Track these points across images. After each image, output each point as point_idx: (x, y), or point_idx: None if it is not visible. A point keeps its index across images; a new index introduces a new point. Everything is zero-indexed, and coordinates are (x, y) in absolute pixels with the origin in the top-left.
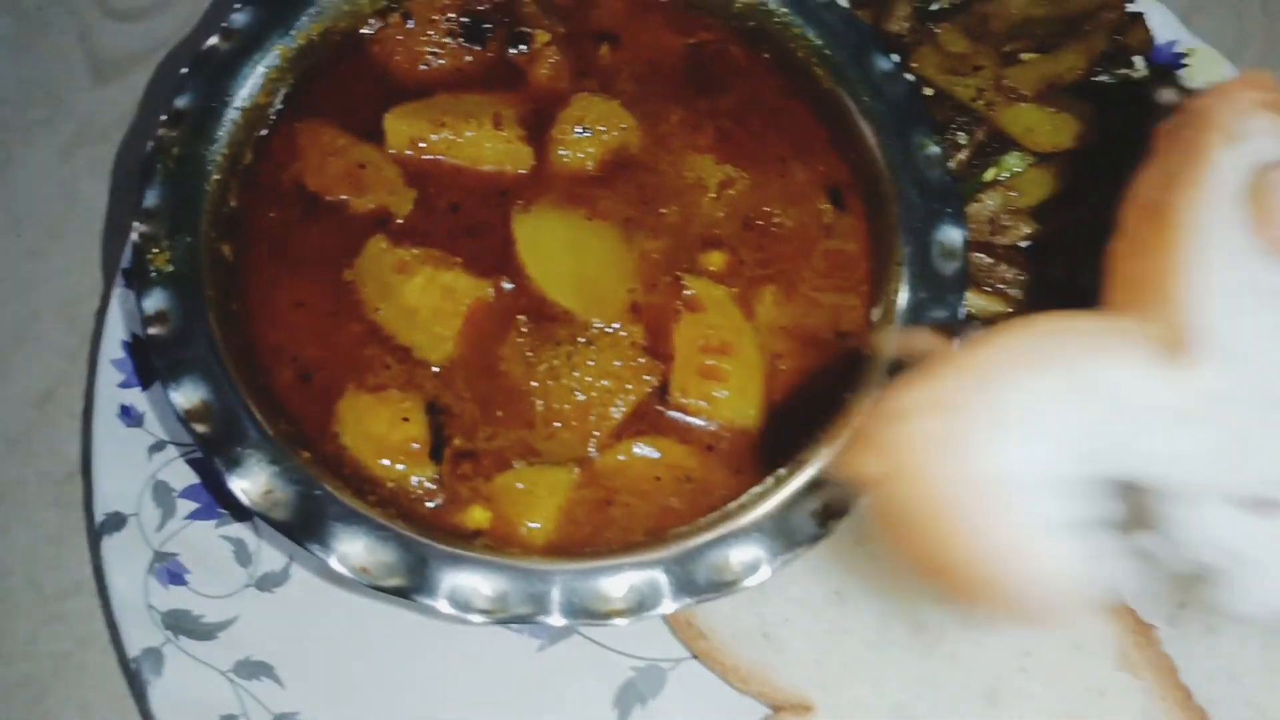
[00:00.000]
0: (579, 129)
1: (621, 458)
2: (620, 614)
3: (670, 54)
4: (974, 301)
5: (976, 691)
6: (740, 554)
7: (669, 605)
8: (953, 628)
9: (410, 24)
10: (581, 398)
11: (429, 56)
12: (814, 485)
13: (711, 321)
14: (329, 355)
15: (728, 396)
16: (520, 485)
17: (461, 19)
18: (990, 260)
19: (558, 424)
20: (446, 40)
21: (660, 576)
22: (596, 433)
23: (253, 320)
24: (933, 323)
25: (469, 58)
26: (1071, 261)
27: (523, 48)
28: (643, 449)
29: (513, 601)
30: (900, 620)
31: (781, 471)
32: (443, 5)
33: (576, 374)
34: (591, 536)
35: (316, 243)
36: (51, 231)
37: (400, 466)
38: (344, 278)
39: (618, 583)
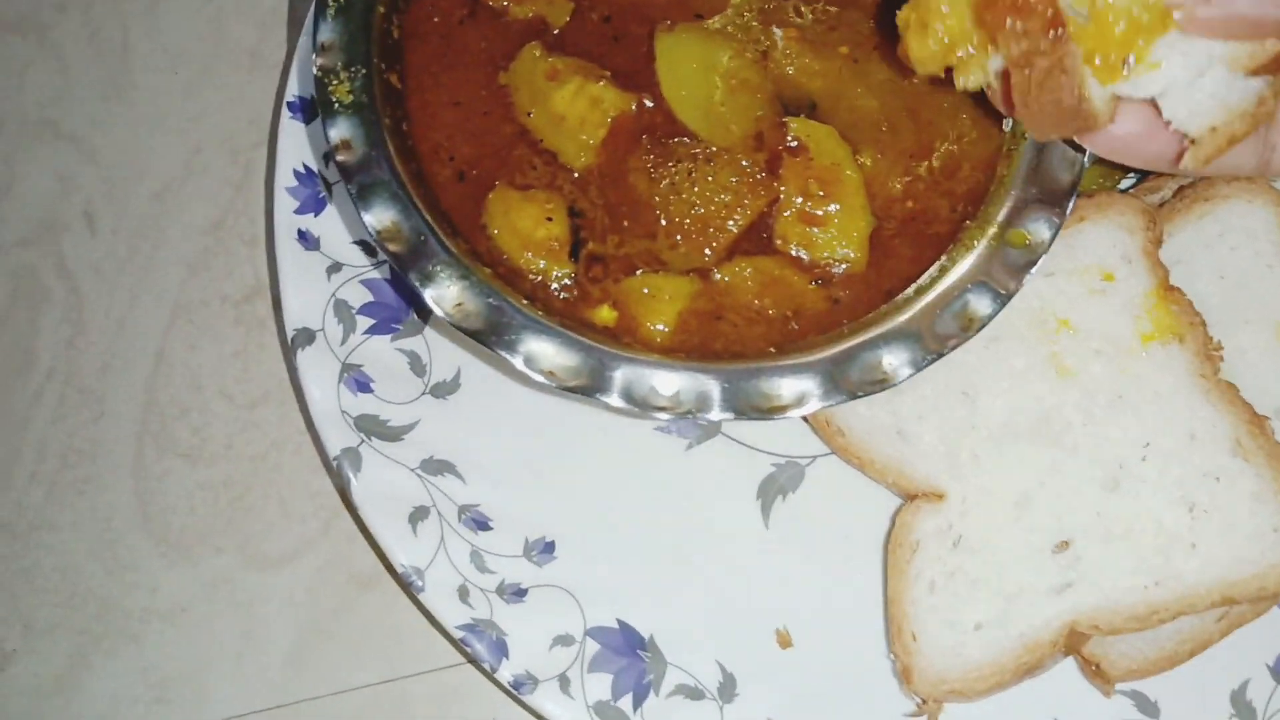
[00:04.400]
0: None
1: (732, 275)
2: (782, 409)
3: None
4: None
5: (1098, 478)
6: (890, 356)
7: (823, 401)
8: (1075, 422)
9: None
10: (700, 211)
11: None
12: (954, 291)
13: (816, 166)
14: (482, 153)
15: (831, 238)
16: (645, 290)
17: None
18: None
19: (678, 236)
20: None
21: (815, 377)
22: (713, 244)
23: (415, 125)
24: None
25: None
26: None
27: None
28: (754, 269)
29: (684, 399)
30: (1024, 416)
31: (923, 281)
32: None
33: (696, 188)
34: (700, 346)
35: (476, 45)
36: (205, 68)
37: (542, 262)
38: (499, 81)
39: (778, 382)
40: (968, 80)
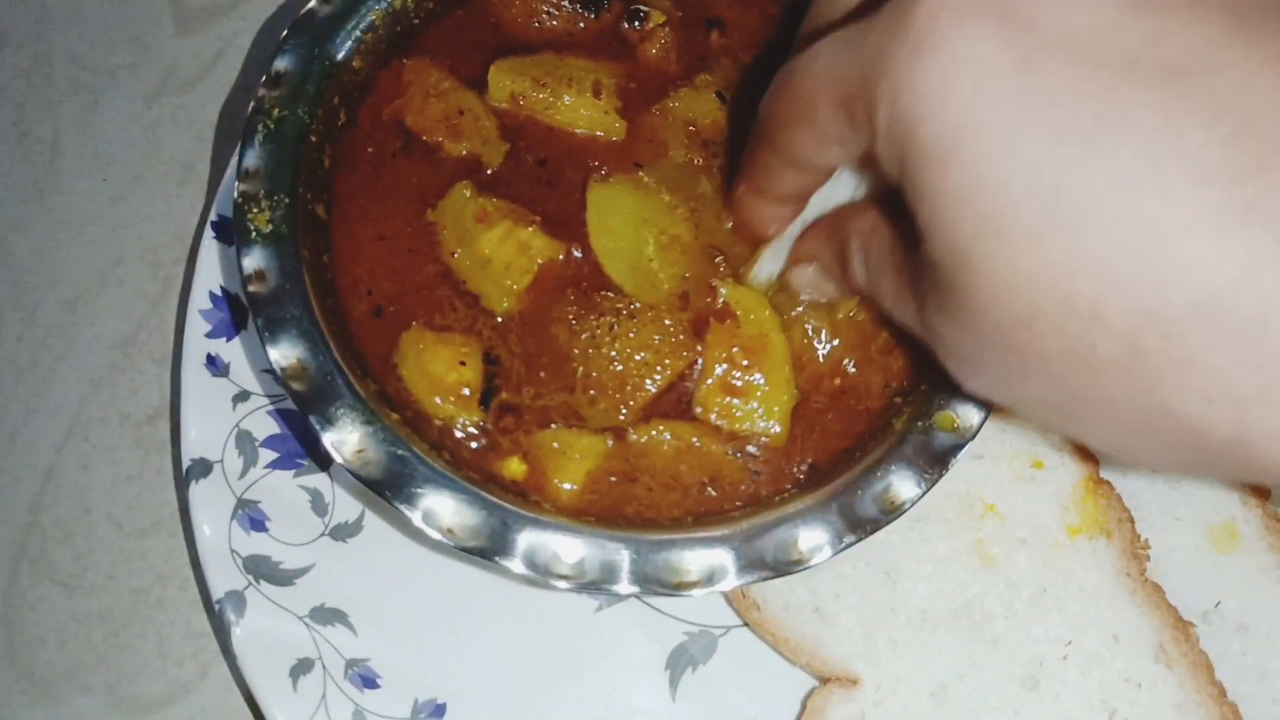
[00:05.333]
0: (681, 114)
1: (648, 438)
2: (690, 586)
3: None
4: None
5: (1017, 675)
6: (807, 535)
7: (735, 581)
8: (997, 613)
9: None
10: (619, 368)
11: (544, 15)
12: (878, 472)
13: (743, 334)
14: (403, 289)
15: (752, 411)
16: (556, 444)
17: None
18: None
19: (594, 391)
20: (564, 3)
21: (728, 552)
22: (630, 403)
23: (336, 256)
24: None
25: (581, 24)
26: None
27: (637, 24)
28: (671, 433)
29: (588, 568)
30: (946, 603)
31: (847, 458)
32: None
33: (617, 344)
34: (611, 508)
35: (407, 179)
36: (136, 177)
37: (450, 407)
38: (427, 217)
39: (689, 556)
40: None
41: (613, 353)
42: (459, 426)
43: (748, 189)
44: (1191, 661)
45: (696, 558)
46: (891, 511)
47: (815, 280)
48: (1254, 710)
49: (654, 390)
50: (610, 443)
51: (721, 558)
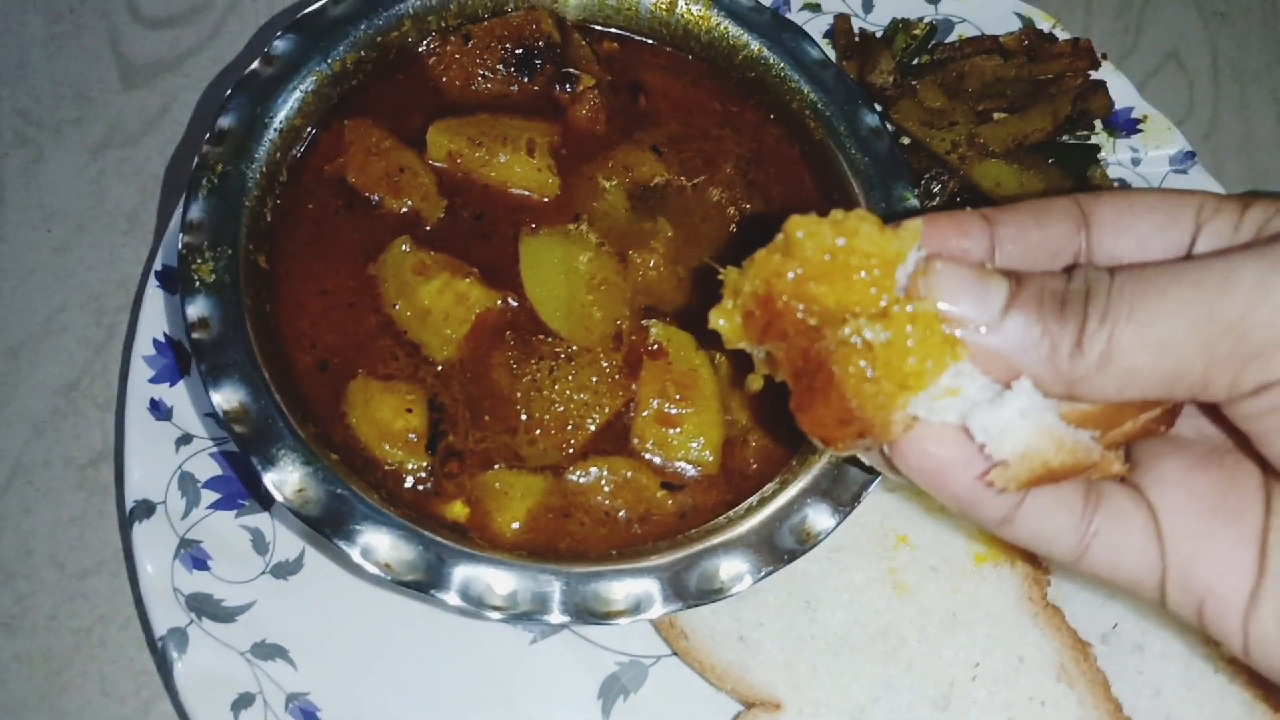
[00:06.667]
0: (611, 177)
1: (584, 474)
2: (618, 615)
3: (696, 109)
4: None
5: (930, 696)
6: (729, 565)
7: (661, 609)
8: (911, 638)
9: (469, 44)
10: (560, 409)
11: (480, 78)
12: (795, 504)
13: (675, 370)
14: (346, 342)
15: (684, 442)
16: (498, 485)
17: (517, 50)
18: None
19: (537, 431)
20: (499, 67)
21: (654, 582)
22: (572, 442)
23: (280, 309)
24: None
25: (515, 86)
26: None
27: (568, 87)
28: (608, 469)
29: (520, 600)
30: (862, 629)
31: (766, 491)
32: (501, 35)
33: (557, 386)
34: (546, 544)
35: (348, 235)
36: (79, 228)
37: (399, 453)
38: (368, 271)
39: (616, 586)
40: (757, 368)
41: (553, 395)
42: (407, 471)
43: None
44: (1090, 680)
45: (624, 587)
46: (807, 541)
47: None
48: None
49: (594, 428)
50: (550, 480)
51: (648, 587)
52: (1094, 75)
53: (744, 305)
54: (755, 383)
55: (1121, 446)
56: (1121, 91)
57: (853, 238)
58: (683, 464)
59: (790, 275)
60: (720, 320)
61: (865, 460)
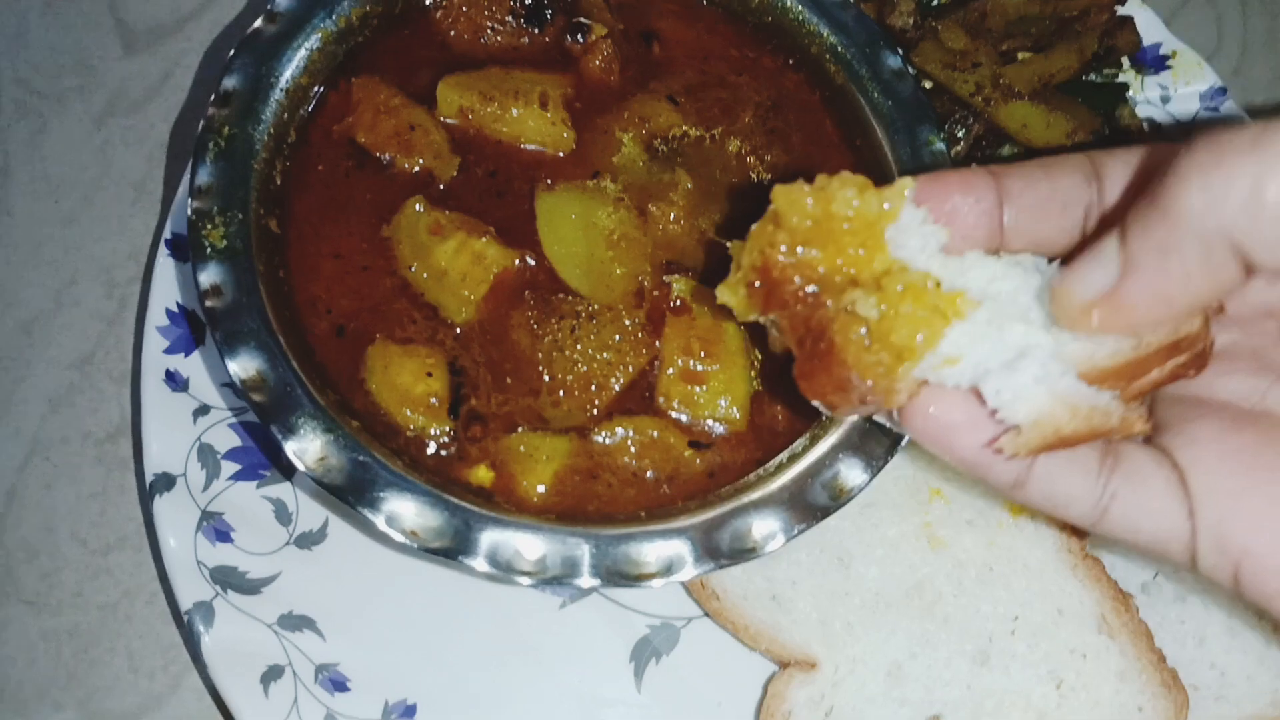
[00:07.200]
0: (627, 129)
1: (610, 434)
2: (649, 577)
3: (712, 56)
4: None
5: (968, 651)
6: (761, 524)
7: (693, 570)
8: (947, 593)
9: None
10: (583, 368)
11: (489, 31)
12: (826, 460)
13: (699, 326)
14: (361, 306)
15: (711, 400)
16: (523, 448)
17: (526, 1)
18: None
19: (561, 392)
20: (508, 18)
21: (685, 543)
22: (596, 402)
23: (293, 274)
24: None
25: (526, 39)
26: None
27: (579, 37)
28: (634, 429)
29: (550, 564)
30: (897, 585)
31: (796, 447)
32: None
33: (579, 346)
34: (574, 507)
35: (360, 196)
36: (86, 199)
37: (420, 418)
38: (382, 233)
39: (647, 548)
40: (772, 343)
41: (576, 354)
42: (430, 436)
43: None
44: (1132, 631)
45: (655, 549)
46: (840, 497)
47: None
48: (1192, 674)
49: (618, 388)
50: (575, 442)
51: (679, 549)
52: (1120, 10)
53: (745, 278)
54: (778, 344)
55: (1146, 399)
56: (1149, 27)
57: (832, 203)
58: (710, 421)
59: (782, 245)
60: (728, 295)
61: (880, 420)
